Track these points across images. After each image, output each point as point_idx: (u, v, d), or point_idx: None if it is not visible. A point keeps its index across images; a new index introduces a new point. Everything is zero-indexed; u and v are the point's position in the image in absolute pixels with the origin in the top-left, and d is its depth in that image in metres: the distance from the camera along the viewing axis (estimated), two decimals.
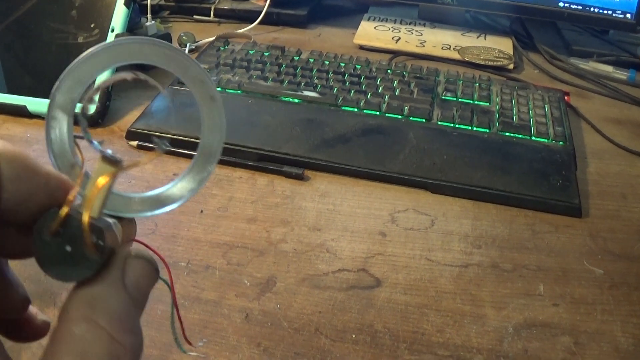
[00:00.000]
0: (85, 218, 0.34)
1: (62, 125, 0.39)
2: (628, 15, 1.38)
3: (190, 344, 0.46)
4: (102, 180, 0.36)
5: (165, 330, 0.70)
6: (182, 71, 0.40)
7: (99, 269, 0.35)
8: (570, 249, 0.87)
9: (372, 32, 1.54)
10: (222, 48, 1.33)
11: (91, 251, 0.34)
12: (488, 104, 1.16)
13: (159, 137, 0.34)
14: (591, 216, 0.94)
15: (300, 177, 0.97)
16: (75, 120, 0.39)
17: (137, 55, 0.39)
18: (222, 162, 0.99)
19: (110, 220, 0.38)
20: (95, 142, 0.38)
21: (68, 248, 0.34)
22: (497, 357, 0.70)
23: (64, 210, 0.34)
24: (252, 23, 1.55)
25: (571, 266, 0.84)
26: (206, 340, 0.70)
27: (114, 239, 0.37)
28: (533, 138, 1.06)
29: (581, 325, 0.75)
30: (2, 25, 1.18)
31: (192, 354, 0.68)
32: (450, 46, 1.47)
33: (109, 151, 0.37)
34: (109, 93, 1.10)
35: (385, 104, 1.11)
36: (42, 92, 1.12)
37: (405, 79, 1.22)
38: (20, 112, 1.12)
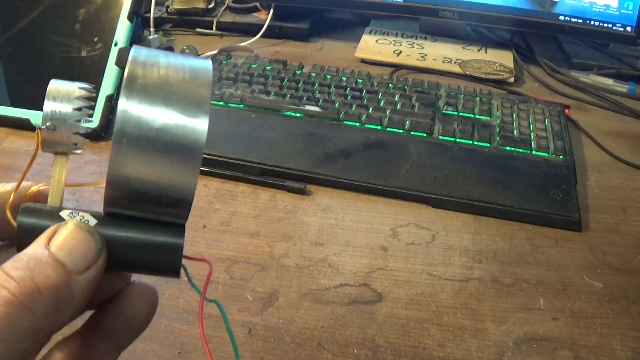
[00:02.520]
0: (7, 208, 0.40)
1: None
2: (628, 29, 1.39)
3: None
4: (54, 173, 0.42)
5: (168, 345, 0.71)
6: None
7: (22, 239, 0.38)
8: (570, 263, 0.88)
9: (373, 45, 1.54)
10: (224, 62, 1.34)
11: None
12: (489, 118, 1.16)
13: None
14: (591, 230, 0.95)
15: (302, 192, 0.98)
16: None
17: None
18: (224, 177, 1.00)
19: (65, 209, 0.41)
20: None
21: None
22: None
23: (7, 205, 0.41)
24: (254, 36, 1.55)
25: (571, 280, 0.85)
26: None
27: (33, 213, 0.40)
28: (533, 152, 1.07)
29: (581, 339, 0.75)
30: (5, 37, 1.19)
31: None
32: (451, 59, 1.48)
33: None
34: (111, 107, 1.11)
35: (387, 119, 1.12)
36: None
37: (407, 93, 1.23)
38: (24, 126, 1.13)
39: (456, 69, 1.45)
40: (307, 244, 0.88)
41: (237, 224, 0.91)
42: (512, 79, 1.42)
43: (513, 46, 1.57)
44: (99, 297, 0.42)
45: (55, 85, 0.41)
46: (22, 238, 0.39)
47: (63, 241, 0.37)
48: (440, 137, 1.09)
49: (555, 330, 0.76)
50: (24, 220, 0.39)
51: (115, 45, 1.13)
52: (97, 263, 0.38)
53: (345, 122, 1.11)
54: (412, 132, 1.09)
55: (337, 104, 1.16)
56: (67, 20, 1.18)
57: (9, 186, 0.42)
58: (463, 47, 1.55)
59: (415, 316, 0.77)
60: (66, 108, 0.41)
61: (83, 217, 0.40)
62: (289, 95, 1.19)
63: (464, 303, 0.79)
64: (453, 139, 1.09)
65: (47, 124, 0.40)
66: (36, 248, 0.37)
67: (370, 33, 1.62)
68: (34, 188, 0.42)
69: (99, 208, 0.41)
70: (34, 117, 1.12)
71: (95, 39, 1.16)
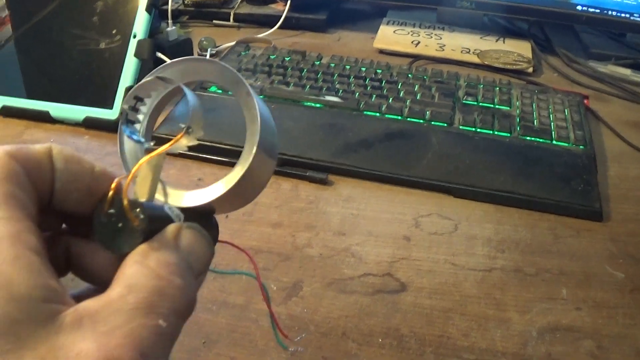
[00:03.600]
0: (125, 197, 0.40)
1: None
2: None
3: (287, 337, 0.51)
4: (145, 168, 0.43)
5: (193, 335, 0.71)
6: (221, 78, 0.46)
7: (147, 236, 0.40)
8: (592, 253, 0.88)
9: (391, 36, 1.55)
10: (243, 53, 1.35)
11: (134, 222, 0.39)
12: (509, 108, 1.17)
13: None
14: (612, 220, 0.95)
15: (324, 182, 0.98)
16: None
17: (197, 72, 0.46)
18: None
19: (166, 205, 0.44)
20: (142, 140, 0.45)
21: (119, 224, 0.40)
22: None
23: (110, 194, 0.41)
24: (271, 28, 1.56)
25: (593, 270, 0.85)
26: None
27: (155, 211, 0.42)
28: (554, 142, 1.07)
29: (603, 329, 0.75)
30: (22, 30, 1.20)
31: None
32: (469, 50, 1.48)
33: (151, 144, 0.45)
34: None
35: (407, 109, 1.12)
36: (65, 97, 1.13)
37: (426, 83, 1.23)
38: (43, 118, 1.13)
39: (475, 59, 1.45)
40: (330, 234, 0.88)
41: (259, 214, 0.92)
42: (530, 69, 1.42)
43: (531, 36, 1.57)
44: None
45: (196, 102, 0.44)
46: (149, 227, 0.40)
47: (190, 245, 0.41)
48: (461, 127, 1.09)
49: (578, 320, 0.76)
50: (150, 212, 0.41)
51: (134, 37, 1.14)
52: (207, 270, 0.42)
53: (365, 113, 1.12)
54: (432, 122, 1.10)
55: (357, 94, 1.17)
56: (85, 12, 1.18)
57: (87, 162, 0.43)
58: (481, 38, 1.55)
59: (439, 306, 0.77)
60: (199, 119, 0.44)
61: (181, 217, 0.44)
62: (308, 86, 1.19)
63: (487, 293, 0.80)
64: (474, 129, 1.09)
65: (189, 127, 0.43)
66: (167, 248, 0.39)
67: (387, 24, 1.62)
68: (118, 179, 0.42)
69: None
70: (54, 109, 1.12)
71: (114, 31, 1.16)
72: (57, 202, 0.41)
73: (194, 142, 0.43)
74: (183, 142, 0.43)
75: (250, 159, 0.43)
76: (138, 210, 0.40)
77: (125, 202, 0.40)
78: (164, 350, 0.36)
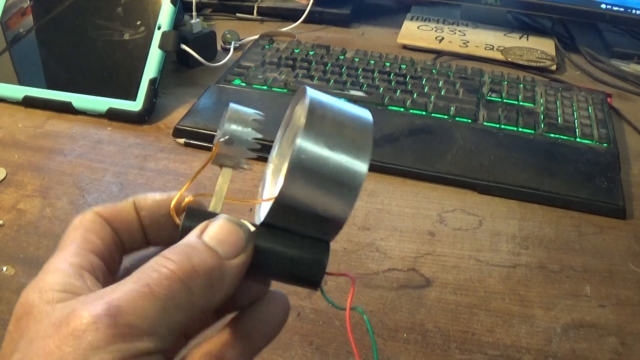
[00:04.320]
0: (172, 204, 0.45)
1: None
2: None
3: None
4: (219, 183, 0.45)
5: None
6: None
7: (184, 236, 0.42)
8: (615, 251, 0.88)
9: (415, 31, 1.55)
10: (267, 46, 1.35)
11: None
12: (533, 105, 1.17)
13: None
14: (635, 218, 0.95)
15: None
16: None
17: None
18: (266, 160, 1.00)
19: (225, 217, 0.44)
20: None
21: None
22: (545, 357, 0.71)
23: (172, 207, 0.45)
24: (295, 21, 1.56)
25: (616, 267, 0.85)
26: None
27: (196, 215, 0.44)
28: (578, 139, 1.07)
29: (627, 326, 0.76)
30: (45, 20, 1.20)
31: None
32: (493, 46, 1.48)
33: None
34: (155, 90, 1.12)
35: (432, 104, 1.13)
36: (87, 88, 1.14)
37: (451, 79, 1.23)
38: (65, 109, 1.14)
39: (498, 56, 1.44)
40: (355, 229, 0.89)
41: None
42: (554, 67, 1.41)
43: (554, 34, 1.57)
44: (242, 300, 0.46)
45: (234, 108, 0.45)
46: (185, 234, 0.42)
47: (214, 232, 0.42)
48: (485, 123, 1.09)
49: (602, 317, 0.77)
50: (187, 220, 0.43)
51: (159, 28, 1.14)
52: (245, 251, 0.42)
53: (389, 108, 1.12)
54: (457, 118, 1.10)
55: (382, 89, 1.17)
56: (110, 3, 1.19)
57: (158, 195, 0.48)
58: (504, 35, 1.55)
59: (464, 301, 0.78)
60: (243, 128, 0.45)
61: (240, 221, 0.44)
62: (332, 80, 1.19)
63: (511, 289, 0.80)
64: (498, 125, 1.09)
65: (227, 137, 0.44)
66: (190, 238, 0.42)
67: (411, 19, 1.62)
68: (188, 198, 0.46)
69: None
70: (76, 100, 1.13)
71: (138, 22, 1.16)
72: (153, 240, 0.47)
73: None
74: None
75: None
76: (182, 215, 0.44)
77: (172, 208, 0.45)
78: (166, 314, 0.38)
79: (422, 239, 0.88)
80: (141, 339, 0.36)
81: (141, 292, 0.37)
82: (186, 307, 0.38)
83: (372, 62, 1.29)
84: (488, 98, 1.18)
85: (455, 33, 1.54)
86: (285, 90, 1.16)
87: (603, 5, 1.42)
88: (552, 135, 1.07)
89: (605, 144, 1.06)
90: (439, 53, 1.46)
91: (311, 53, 1.32)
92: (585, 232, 0.91)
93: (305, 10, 1.56)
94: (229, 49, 1.36)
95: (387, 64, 1.28)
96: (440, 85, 1.20)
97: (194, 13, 1.39)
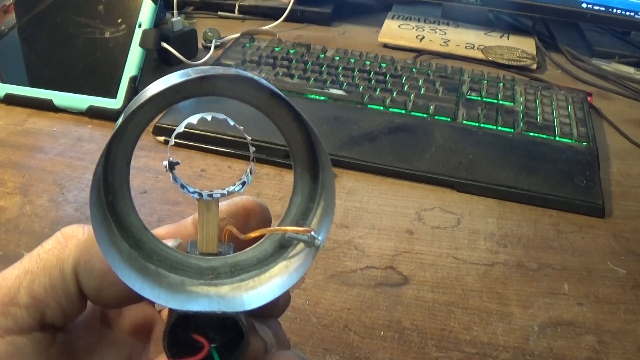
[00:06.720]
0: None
1: None
2: None
3: None
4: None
5: None
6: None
7: None
8: (594, 249, 0.88)
9: (396, 30, 1.55)
10: (247, 45, 1.35)
11: None
12: (512, 103, 1.17)
13: None
14: (614, 217, 0.95)
15: None
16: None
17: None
18: (248, 159, 1.00)
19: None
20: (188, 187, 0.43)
21: None
22: (523, 355, 0.71)
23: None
24: (276, 20, 1.56)
25: (595, 266, 0.85)
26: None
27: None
28: (557, 138, 1.07)
29: (605, 325, 0.76)
30: (27, 18, 1.20)
31: None
32: (473, 45, 1.48)
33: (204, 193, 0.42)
34: (135, 88, 1.11)
35: (411, 103, 1.12)
36: (68, 86, 1.13)
37: (430, 77, 1.23)
38: (46, 106, 1.13)
39: (479, 54, 1.45)
40: (333, 227, 0.87)
41: None
42: (534, 66, 1.42)
43: (535, 33, 1.57)
44: None
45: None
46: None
47: None
48: (465, 122, 1.09)
49: (579, 315, 0.77)
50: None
51: (140, 26, 1.14)
52: None
53: (369, 106, 1.12)
54: (436, 117, 1.10)
55: (361, 87, 1.17)
56: (91, 1, 1.18)
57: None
58: (485, 34, 1.55)
59: (441, 299, 0.78)
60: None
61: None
62: (312, 79, 1.19)
63: (489, 287, 0.80)
64: (477, 124, 1.09)
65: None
66: None
67: (392, 18, 1.62)
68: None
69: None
70: (57, 98, 1.12)
71: (119, 20, 1.16)
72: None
73: None
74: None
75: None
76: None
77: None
78: None
79: (400, 237, 0.87)
80: None
81: None
82: None
83: (353, 60, 1.29)
84: (468, 97, 1.18)
85: (436, 32, 1.55)
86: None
87: (584, 5, 1.43)
88: (531, 134, 1.08)
89: (584, 143, 1.06)
90: (419, 52, 1.47)
91: (292, 51, 1.32)
92: (564, 231, 0.91)
93: (286, 9, 1.56)
94: (210, 47, 1.36)
95: (368, 63, 1.28)
96: (420, 84, 1.20)
97: (175, 11, 1.39)
